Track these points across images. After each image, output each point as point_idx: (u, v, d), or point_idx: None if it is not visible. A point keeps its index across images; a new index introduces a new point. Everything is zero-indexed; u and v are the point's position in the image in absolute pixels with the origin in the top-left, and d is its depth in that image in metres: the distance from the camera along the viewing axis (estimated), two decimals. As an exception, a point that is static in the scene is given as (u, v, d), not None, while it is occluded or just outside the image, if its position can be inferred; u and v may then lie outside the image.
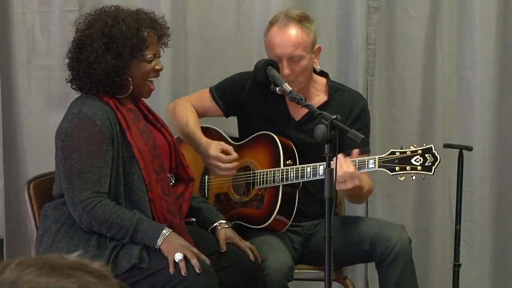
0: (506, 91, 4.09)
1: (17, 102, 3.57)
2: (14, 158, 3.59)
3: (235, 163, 3.19)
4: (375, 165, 3.00)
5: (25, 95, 3.58)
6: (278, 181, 3.19)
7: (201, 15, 3.85)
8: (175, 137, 3.15)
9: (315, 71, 3.33)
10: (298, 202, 3.22)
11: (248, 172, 3.30)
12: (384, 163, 2.98)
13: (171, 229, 2.80)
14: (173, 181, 3.03)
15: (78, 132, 2.78)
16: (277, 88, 3.05)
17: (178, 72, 3.77)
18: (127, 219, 2.76)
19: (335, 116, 2.62)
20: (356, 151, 2.99)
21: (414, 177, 2.98)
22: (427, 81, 4.08)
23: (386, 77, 4.05)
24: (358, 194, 3.16)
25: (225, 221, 3.10)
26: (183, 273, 2.72)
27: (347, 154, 3.00)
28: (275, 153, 3.23)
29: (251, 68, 3.23)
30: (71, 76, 2.90)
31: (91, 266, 1.13)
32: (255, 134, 3.32)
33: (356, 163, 3.02)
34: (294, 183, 3.19)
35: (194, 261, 2.74)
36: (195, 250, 2.79)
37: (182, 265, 2.73)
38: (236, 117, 3.44)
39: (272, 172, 3.21)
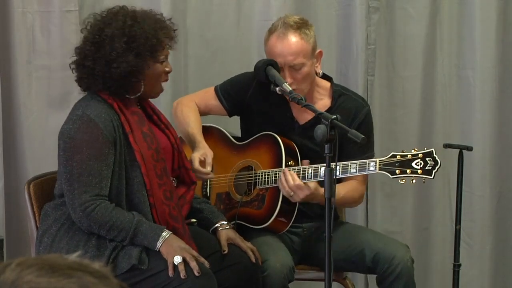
0: (506, 91, 4.09)
1: (17, 102, 3.57)
2: (14, 158, 3.59)
3: (204, 172, 3.14)
4: (375, 167, 3.00)
5: (25, 95, 3.58)
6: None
7: (201, 15, 3.85)
8: (178, 136, 3.15)
9: (317, 75, 3.33)
10: (299, 203, 3.22)
11: (250, 172, 3.30)
12: (385, 166, 2.98)
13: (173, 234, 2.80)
14: (175, 183, 3.02)
15: (81, 135, 2.77)
16: (277, 88, 3.05)
17: (178, 72, 3.76)
18: (126, 221, 2.76)
19: (335, 116, 2.62)
20: (305, 161, 3.11)
21: (414, 181, 2.98)
22: (427, 81, 4.07)
23: (386, 77, 4.05)
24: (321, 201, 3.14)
25: (226, 222, 3.10)
26: (182, 276, 2.71)
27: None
28: (277, 154, 3.23)
29: (251, 68, 3.22)
30: (80, 76, 2.87)
31: (91, 266, 1.13)
32: (257, 134, 3.32)
33: (357, 165, 3.02)
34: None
35: (193, 264, 2.73)
36: (194, 253, 2.79)
37: (181, 268, 2.72)
38: (239, 117, 3.43)
39: (273, 173, 3.21)
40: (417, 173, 2.95)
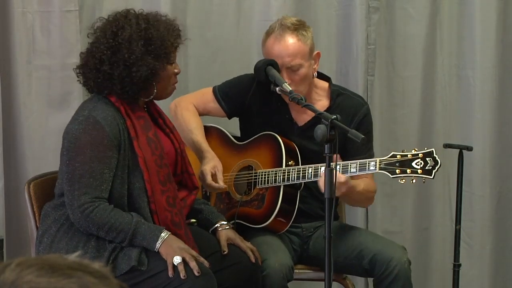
0: (506, 91, 4.09)
1: (17, 102, 3.57)
2: (14, 158, 3.59)
3: (215, 187, 3.15)
4: (376, 167, 3.00)
5: (25, 95, 3.58)
6: (279, 181, 3.19)
7: (201, 15, 3.84)
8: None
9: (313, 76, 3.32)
10: (299, 202, 3.22)
11: (250, 172, 3.30)
12: (385, 166, 2.99)
13: None
14: (177, 187, 3.02)
15: (86, 136, 2.77)
16: (277, 88, 3.05)
17: (178, 72, 3.76)
18: (125, 222, 2.76)
19: (335, 116, 2.62)
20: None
21: (414, 181, 2.98)
22: (427, 81, 4.07)
23: (386, 77, 4.05)
24: (353, 195, 3.13)
25: (225, 222, 3.10)
26: (182, 276, 2.71)
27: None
28: (277, 154, 3.23)
29: (251, 68, 3.22)
30: (94, 79, 2.84)
31: (91, 267, 1.13)
32: (258, 134, 3.32)
33: (357, 165, 3.02)
34: (296, 184, 3.19)
35: (192, 264, 2.73)
36: (194, 253, 2.79)
37: (181, 268, 2.72)
38: (238, 118, 3.44)
39: (273, 172, 3.21)
40: (417, 173, 2.95)
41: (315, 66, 3.27)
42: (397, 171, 2.97)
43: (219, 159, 3.24)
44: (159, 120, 3.02)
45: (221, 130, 3.44)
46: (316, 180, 3.10)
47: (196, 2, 3.83)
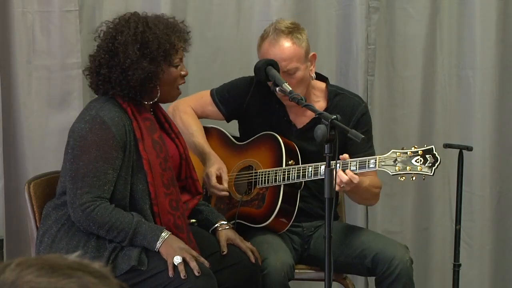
0: (506, 91, 4.09)
1: (17, 102, 3.57)
2: (14, 158, 3.59)
3: (220, 189, 3.17)
4: (375, 165, 3.00)
5: (25, 95, 3.57)
6: (279, 180, 3.20)
7: (201, 15, 3.84)
8: None
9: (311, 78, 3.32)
10: (299, 201, 3.23)
11: (250, 172, 3.31)
12: (385, 163, 2.99)
13: None
14: (181, 192, 3.02)
15: (92, 135, 2.77)
16: (277, 88, 3.05)
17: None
18: (126, 222, 2.76)
19: (335, 116, 2.62)
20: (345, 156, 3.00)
21: (414, 178, 2.98)
22: (427, 81, 4.07)
23: (386, 77, 4.05)
24: (359, 192, 3.12)
25: (225, 222, 3.11)
26: (182, 276, 2.71)
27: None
28: (277, 153, 3.23)
29: (251, 68, 3.22)
30: (96, 83, 2.87)
31: (91, 266, 1.13)
32: (258, 134, 3.32)
33: (357, 163, 3.02)
34: (296, 183, 3.19)
35: (193, 264, 2.73)
36: (194, 253, 2.79)
37: (181, 268, 2.72)
38: (237, 121, 3.44)
39: (273, 172, 3.21)
40: (417, 170, 2.95)
41: (312, 67, 3.27)
42: (397, 168, 2.97)
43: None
44: (165, 125, 3.02)
45: (221, 131, 3.44)
46: (316, 179, 3.10)
47: (196, 2, 3.83)
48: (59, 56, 3.58)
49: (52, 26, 3.59)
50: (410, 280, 3.14)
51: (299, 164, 3.20)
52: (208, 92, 3.41)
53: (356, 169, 3.03)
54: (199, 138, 3.29)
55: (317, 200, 3.30)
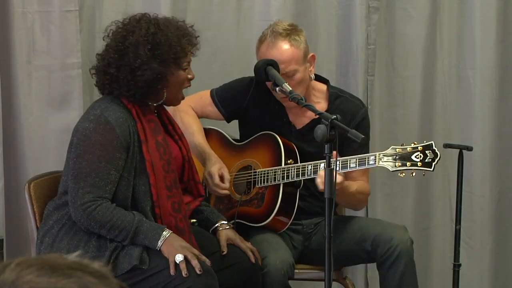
0: (506, 91, 4.09)
1: (17, 102, 3.57)
2: (14, 158, 3.59)
3: (223, 188, 3.18)
4: (375, 161, 3.01)
5: (25, 95, 3.57)
6: (279, 179, 3.20)
7: (201, 15, 3.84)
8: None
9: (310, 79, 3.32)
10: (299, 199, 3.23)
11: (249, 171, 3.31)
12: (385, 159, 2.99)
13: None
14: (182, 193, 3.02)
15: (96, 135, 2.78)
16: (277, 88, 3.05)
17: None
18: (127, 221, 2.76)
19: (335, 116, 2.63)
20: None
21: (414, 174, 2.99)
22: (427, 81, 4.07)
23: (386, 77, 4.05)
24: (344, 195, 3.11)
25: (226, 222, 3.11)
26: (183, 274, 2.72)
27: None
28: (276, 153, 3.24)
29: (251, 68, 3.22)
30: (103, 82, 2.87)
31: (91, 266, 1.13)
32: (257, 134, 3.32)
33: (357, 160, 3.03)
34: (295, 182, 3.19)
35: (194, 262, 2.74)
36: (196, 251, 2.79)
37: (183, 266, 2.73)
38: (237, 121, 3.44)
39: (273, 171, 3.22)
40: (417, 166, 2.95)
41: (311, 68, 3.27)
42: (397, 164, 2.97)
43: (219, 161, 3.25)
44: (168, 127, 3.03)
45: (220, 132, 3.45)
46: (315, 178, 3.11)
47: (196, 2, 3.83)
48: (59, 56, 3.58)
49: (52, 26, 3.58)
50: (411, 260, 3.13)
51: (298, 163, 3.20)
52: (208, 92, 3.41)
53: (356, 166, 3.04)
54: (199, 138, 3.30)
55: (316, 199, 3.30)
